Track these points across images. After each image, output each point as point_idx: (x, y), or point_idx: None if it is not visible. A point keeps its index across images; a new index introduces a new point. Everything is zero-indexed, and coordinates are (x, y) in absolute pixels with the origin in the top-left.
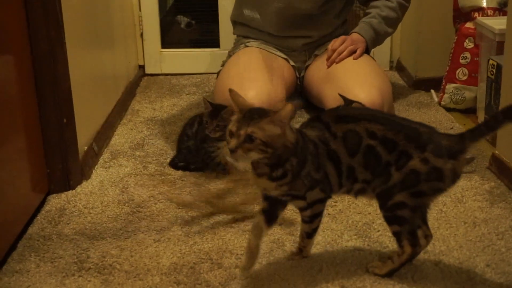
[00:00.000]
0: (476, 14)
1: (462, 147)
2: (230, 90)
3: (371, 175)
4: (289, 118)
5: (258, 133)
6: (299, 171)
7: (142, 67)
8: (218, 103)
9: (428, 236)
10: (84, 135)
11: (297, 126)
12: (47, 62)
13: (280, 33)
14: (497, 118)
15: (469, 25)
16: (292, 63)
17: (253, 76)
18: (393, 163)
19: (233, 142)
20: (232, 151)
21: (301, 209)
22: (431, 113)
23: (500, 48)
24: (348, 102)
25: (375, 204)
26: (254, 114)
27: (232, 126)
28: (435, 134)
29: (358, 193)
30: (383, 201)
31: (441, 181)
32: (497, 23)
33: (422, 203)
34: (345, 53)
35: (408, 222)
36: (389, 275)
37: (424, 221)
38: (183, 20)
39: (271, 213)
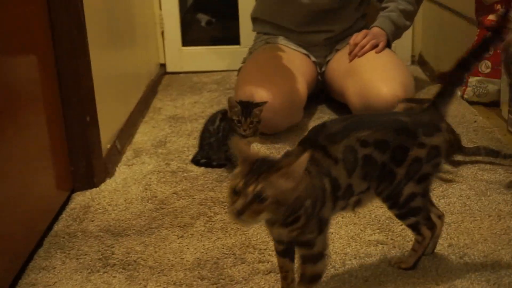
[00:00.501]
0: (498, 6)
1: (441, 116)
2: (233, 139)
3: (369, 183)
4: (304, 169)
5: (268, 191)
6: (313, 212)
7: (163, 65)
8: (245, 100)
9: (441, 216)
10: (107, 133)
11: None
12: (69, 61)
13: (302, 29)
14: (454, 73)
15: (491, 17)
16: (313, 58)
17: (274, 73)
18: (389, 161)
19: (239, 203)
20: (238, 214)
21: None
22: (453, 107)
23: None
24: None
25: None
26: (262, 167)
27: (237, 182)
28: (415, 116)
29: (355, 206)
30: (394, 201)
31: (439, 156)
32: None
33: (429, 184)
34: (367, 47)
35: (422, 209)
36: (415, 265)
37: (431, 203)
38: (203, 18)
39: (290, 249)
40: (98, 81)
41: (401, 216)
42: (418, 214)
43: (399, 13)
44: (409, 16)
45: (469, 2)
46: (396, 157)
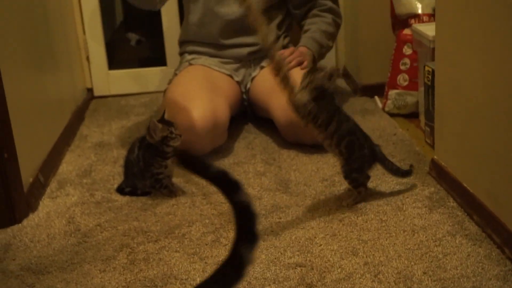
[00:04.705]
0: (412, 21)
1: None
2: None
3: None
4: None
5: None
6: None
7: (90, 90)
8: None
9: None
10: (28, 166)
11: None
12: None
13: (224, 41)
14: None
15: (406, 31)
16: (236, 78)
17: (197, 96)
18: None
19: None
20: None
21: None
22: (375, 120)
23: (434, 54)
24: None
25: (317, 217)
26: None
27: None
28: None
29: None
30: None
31: None
32: (431, 29)
33: None
34: (293, 63)
35: None
36: None
37: None
38: (133, 37)
39: None
40: (16, 111)
41: None
42: None
43: (322, 33)
44: (331, 37)
45: (385, 17)
46: None
